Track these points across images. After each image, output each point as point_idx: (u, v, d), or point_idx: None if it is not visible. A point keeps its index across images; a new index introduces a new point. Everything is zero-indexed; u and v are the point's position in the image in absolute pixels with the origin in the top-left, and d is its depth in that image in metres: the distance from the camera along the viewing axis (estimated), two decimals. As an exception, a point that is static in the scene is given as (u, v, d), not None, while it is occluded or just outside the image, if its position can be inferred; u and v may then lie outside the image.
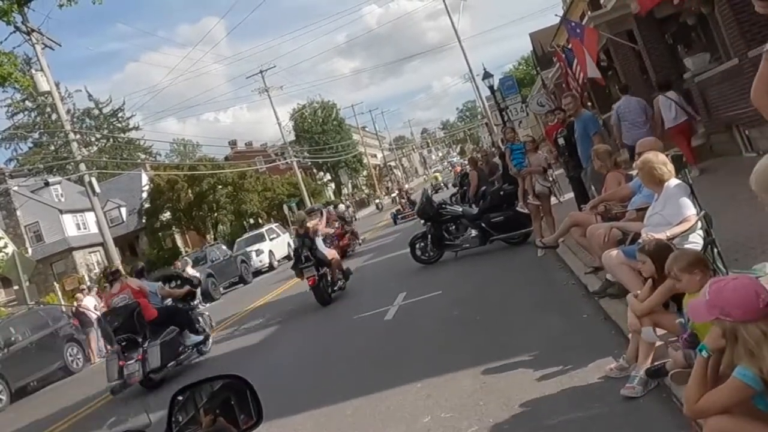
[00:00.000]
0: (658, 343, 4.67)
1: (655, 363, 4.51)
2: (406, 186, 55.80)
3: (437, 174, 78.74)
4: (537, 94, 32.36)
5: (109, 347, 11.93)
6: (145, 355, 10.29)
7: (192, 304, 12.39)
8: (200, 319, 12.46)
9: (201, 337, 11.89)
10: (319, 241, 13.87)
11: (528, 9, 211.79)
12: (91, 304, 19.69)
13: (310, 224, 14.07)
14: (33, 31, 25.05)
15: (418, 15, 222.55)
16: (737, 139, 12.60)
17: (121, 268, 26.47)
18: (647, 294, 4.69)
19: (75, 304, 20.20)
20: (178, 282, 12.15)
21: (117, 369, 10.38)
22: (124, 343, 10.56)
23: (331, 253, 14.15)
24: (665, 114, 12.15)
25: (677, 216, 5.23)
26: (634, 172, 6.21)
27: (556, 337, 6.42)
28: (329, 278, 13.72)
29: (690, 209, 5.25)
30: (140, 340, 10.50)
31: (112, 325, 10.80)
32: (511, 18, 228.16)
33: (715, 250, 5.40)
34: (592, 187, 9.77)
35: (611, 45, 17.66)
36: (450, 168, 77.66)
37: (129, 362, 10.29)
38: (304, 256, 13.29)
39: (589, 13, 20.03)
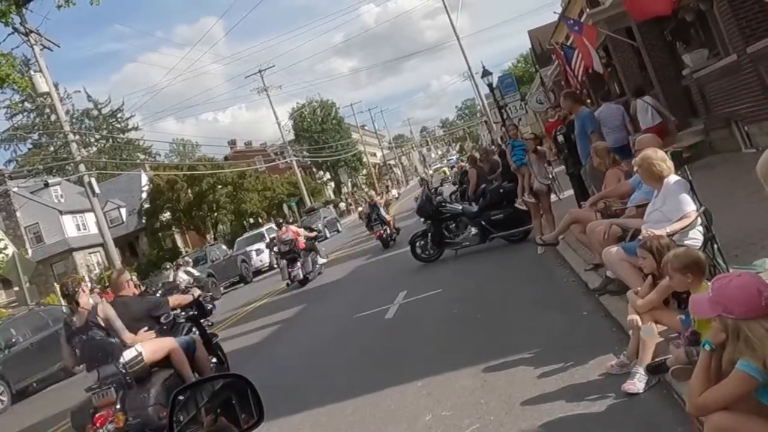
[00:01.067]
0: (659, 340, 4.67)
1: (656, 359, 4.51)
2: (392, 193, 54.85)
3: (445, 169, 78.90)
4: (536, 92, 32.34)
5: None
6: (303, 264, 18.40)
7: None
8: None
9: (324, 259, 20.80)
10: (381, 210, 22.85)
11: (527, 6, 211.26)
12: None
13: (377, 199, 25.98)
14: (31, 32, 25.05)
15: (416, 14, 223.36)
16: (736, 135, 12.61)
17: (120, 267, 26.53)
18: (647, 290, 4.69)
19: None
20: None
21: (287, 273, 18.67)
22: (289, 257, 18.60)
23: (389, 217, 22.77)
24: (641, 117, 12.28)
25: (677, 212, 5.23)
26: (634, 169, 6.21)
27: (556, 334, 6.42)
28: (389, 231, 21.29)
29: (690, 205, 5.25)
30: (298, 258, 18.50)
31: (282, 249, 18.89)
32: (510, 16, 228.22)
33: (715, 246, 5.40)
34: (592, 185, 9.77)
35: (610, 42, 17.65)
36: (450, 167, 77.60)
37: (293, 269, 18.34)
38: (373, 218, 22.09)
39: (587, 10, 19.99)
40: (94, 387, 6.13)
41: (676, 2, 12.40)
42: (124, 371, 6.10)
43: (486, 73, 31.69)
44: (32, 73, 28.39)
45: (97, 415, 5.85)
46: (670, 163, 5.44)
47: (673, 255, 4.06)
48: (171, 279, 24.00)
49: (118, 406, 5.87)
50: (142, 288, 22.35)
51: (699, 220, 5.28)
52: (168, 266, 25.15)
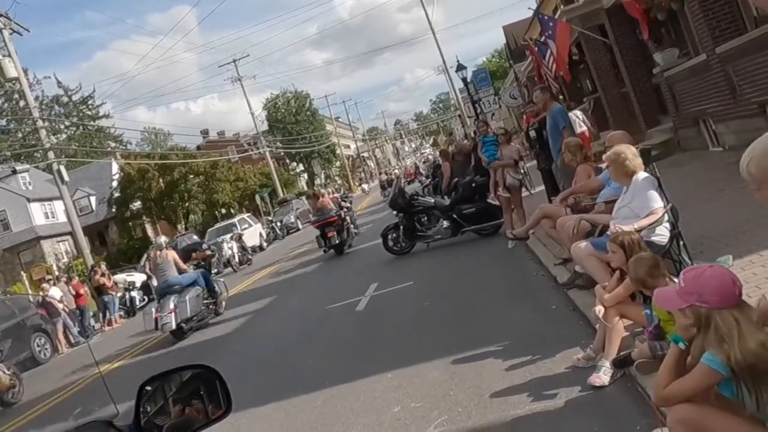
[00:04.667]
0: (624, 334, 4.75)
1: (621, 353, 4.58)
2: (362, 187, 53.18)
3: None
4: (510, 87, 32.54)
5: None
6: (338, 232, 18.04)
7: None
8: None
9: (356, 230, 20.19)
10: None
11: (502, 2, 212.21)
12: (57, 294, 19.48)
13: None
14: (0, 15, 24.65)
15: (390, 7, 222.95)
16: (704, 133, 12.80)
17: (90, 258, 26.24)
18: (615, 285, 4.77)
19: (41, 293, 19.95)
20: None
21: (323, 242, 18.14)
22: (326, 226, 17.99)
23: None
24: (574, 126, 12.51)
25: (645, 209, 5.31)
26: (603, 165, 6.29)
27: (525, 327, 6.49)
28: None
29: (657, 202, 5.33)
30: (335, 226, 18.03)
31: (319, 218, 18.40)
32: (485, 11, 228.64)
33: (681, 242, 5.50)
34: (563, 180, 9.86)
35: (583, 39, 17.80)
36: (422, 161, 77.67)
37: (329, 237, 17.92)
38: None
39: (562, 6, 20.17)
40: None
41: (650, 1, 12.55)
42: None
43: (460, 68, 31.76)
44: (0, 57, 27.96)
45: None
46: (639, 160, 5.52)
47: (633, 264, 4.17)
48: (147, 269, 23.88)
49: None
50: (112, 280, 22.25)
51: (666, 217, 5.37)
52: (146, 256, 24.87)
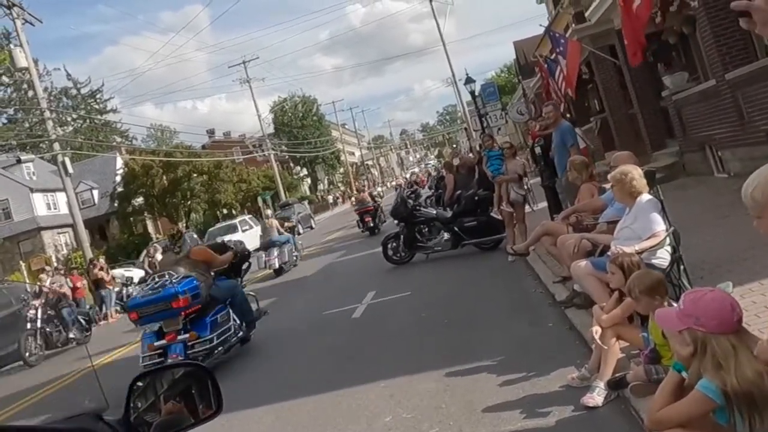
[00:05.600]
0: (620, 356, 4.73)
1: (617, 375, 4.56)
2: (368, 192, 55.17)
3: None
4: (517, 103, 32.58)
5: None
6: (374, 218, 24.15)
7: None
8: None
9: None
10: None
11: (513, 17, 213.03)
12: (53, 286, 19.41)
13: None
14: (14, 5, 24.74)
15: (403, 16, 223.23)
16: (710, 159, 12.78)
17: (89, 251, 26.22)
18: (613, 306, 4.75)
19: (38, 284, 19.90)
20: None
21: (362, 224, 24.23)
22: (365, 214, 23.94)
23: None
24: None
25: (647, 231, 5.29)
26: (607, 186, 6.28)
27: (520, 343, 6.47)
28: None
29: (660, 225, 5.31)
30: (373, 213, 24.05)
31: (361, 207, 24.38)
32: (497, 26, 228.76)
33: (681, 266, 5.48)
34: (566, 198, 9.86)
35: (593, 58, 17.83)
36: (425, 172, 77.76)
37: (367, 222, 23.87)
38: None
39: (573, 25, 20.20)
40: None
41: (661, 24, 12.56)
42: None
43: (469, 81, 31.86)
44: (12, 47, 28.07)
45: None
46: (643, 182, 5.51)
47: (637, 278, 4.12)
48: (147, 264, 23.87)
49: None
50: (110, 274, 22.22)
51: (667, 240, 5.35)
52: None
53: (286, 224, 21.95)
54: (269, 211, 22.43)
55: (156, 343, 8.52)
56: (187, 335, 8.40)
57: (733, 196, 9.57)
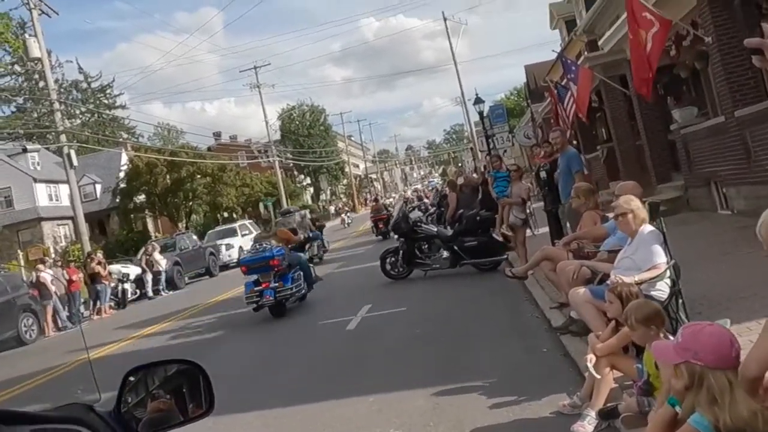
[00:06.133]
0: (613, 386, 4.71)
1: (608, 404, 4.53)
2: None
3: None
4: (525, 126, 32.67)
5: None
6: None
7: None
8: None
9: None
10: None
11: (526, 41, 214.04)
12: (48, 277, 19.43)
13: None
14: (31, -5, 24.86)
15: (416, 33, 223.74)
16: (714, 195, 12.78)
17: (88, 244, 26.19)
18: (609, 335, 4.73)
19: (34, 274, 19.92)
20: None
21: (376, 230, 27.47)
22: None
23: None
24: None
25: (647, 262, 5.28)
26: (611, 214, 6.27)
27: (513, 367, 6.44)
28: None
29: (661, 257, 5.30)
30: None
31: (376, 215, 28.03)
32: (509, 48, 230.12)
33: (680, 300, 5.46)
34: (568, 224, 9.85)
35: (603, 87, 17.87)
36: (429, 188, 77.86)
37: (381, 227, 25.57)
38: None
39: (586, 53, 20.25)
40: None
41: (674, 57, 12.59)
42: None
43: (478, 101, 31.93)
44: (26, 36, 28.15)
45: None
46: (646, 213, 5.50)
47: (635, 307, 4.09)
48: (144, 262, 23.88)
49: None
50: (107, 269, 22.19)
51: (668, 273, 5.33)
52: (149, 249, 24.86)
53: (317, 223, 25.10)
54: (304, 211, 24.87)
55: (255, 288, 12.27)
56: (276, 284, 12.13)
57: (736, 233, 9.57)
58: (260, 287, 12.19)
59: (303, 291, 12.93)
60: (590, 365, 4.66)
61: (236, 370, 8.82)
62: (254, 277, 12.51)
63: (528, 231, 12.36)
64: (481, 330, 8.49)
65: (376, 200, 40.65)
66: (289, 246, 13.38)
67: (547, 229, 11.89)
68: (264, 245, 12.93)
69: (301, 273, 12.99)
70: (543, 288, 9.18)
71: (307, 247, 15.85)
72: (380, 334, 9.53)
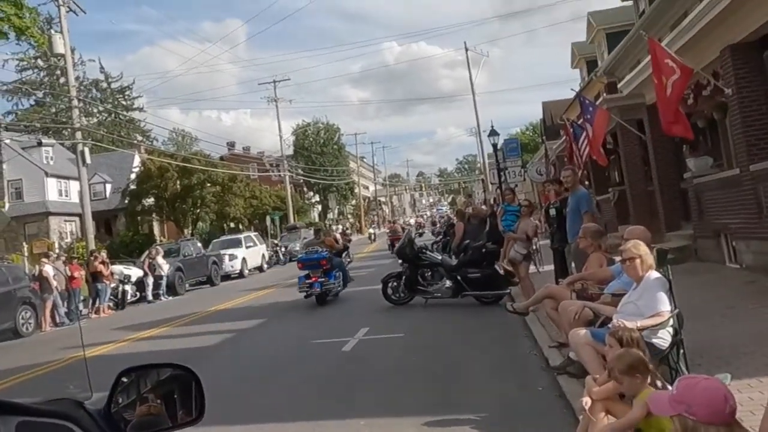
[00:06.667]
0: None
1: (600, 450, 4.46)
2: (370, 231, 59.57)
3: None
4: (538, 162, 32.66)
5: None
6: None
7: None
8: None
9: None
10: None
11: (545, 78, 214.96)
12: (51, 271, 19.45)
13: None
14: (61, -8, 25.14)
15: (436, 60, 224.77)
16: (723, 247, 12.71)
17: (92, 243, 26.22)
18: (606, 379, 4.67)
19: (37, 267, 19.96)
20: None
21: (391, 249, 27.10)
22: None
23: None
24: None
25: (651, 309, 5.24)
26: (617, 258, 6.23)
27: (507, 403, 6.38)
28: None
29: (665, 305, 5.26)
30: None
31: (393, 235, 30.24)
32: (528, 83, 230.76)
33: (681, 350, 5.41)
34: (573, 263, 9.80)
35: (619, 130, 17.89)
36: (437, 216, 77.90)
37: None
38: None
39: (604, 94, 20.31)
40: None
41: (693, 106, 12.59)
42: None
43: (493, 133, 31.94)
44: (52, 32, 28.43)
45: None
46: (653, 260, 5.47)
47: (616, 358, 4.07)
48: (146, 265, 23.88)
49: None
50: (109, 269, 22.20)
51: (671, 322, 5.29)
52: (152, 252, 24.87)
53: (346, 237, 26.99)
54: (336, 226, 25.67)
55: (306, 281, 15.71)
56: (323, 279, 15.65)
57: (743, 287, 9.51)
58: (310, 280, 15.55)
59: (340, 288, 16.36)
60: (586, 408, 4.60)
61: (228, 382, 8.76)
62: (305, 272, 15.90)
63: (532, 267, 12.30)
64: (478, 363, 8.43)
65: (394, 222, 46.86)
66: (333, 251, 16.91)
67: (552, 267, 11.83)
68: (316, 249, 16.55)
69: (341, 273, 16.54)
70: (543, 326, 9.12)
71: (344, 254, 20.11)
72: (376, 358, 9.47)
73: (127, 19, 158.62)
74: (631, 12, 22.56)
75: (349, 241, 27.89)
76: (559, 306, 6.84)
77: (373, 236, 55.32)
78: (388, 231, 39.68)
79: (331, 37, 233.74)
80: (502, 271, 12.31)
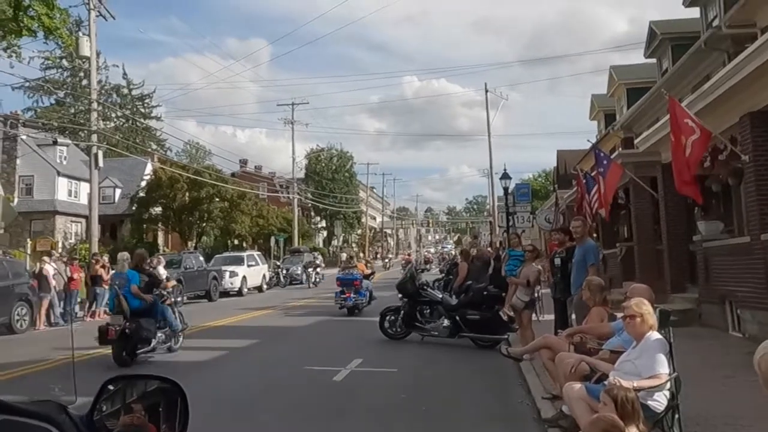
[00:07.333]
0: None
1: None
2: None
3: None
4: (547, 210, 32.62)
5: None
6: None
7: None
8: None
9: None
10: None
11: (563, 126, 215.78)
12: (51, 271, 19.43)
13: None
14: (94, -4, 25.49)
15: (455, 98, 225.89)
16: (728, 315, 12.59)
17: (96, 246, 26.21)
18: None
19: (38, 265, 19.97)
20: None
21: None
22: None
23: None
24: None
25: (649, 370, 5.19)
26: (619, 314, 6.17)
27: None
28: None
29: (663, 367, 5.20)
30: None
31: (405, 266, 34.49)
32: (545, 129, 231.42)
33: (677, 415, 5.34)
34: (573, 315, 9.73)
35: (632, 186, 17.88)
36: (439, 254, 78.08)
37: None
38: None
39: (620, 149, 20.36)
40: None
41: (709, 169, 12.57)
42: None
43: (506, 176, 31.96)
44: (80, 34, 28.75)
45: None
46: (655, 320, 5.42)
47: (590, 423, 4.02)
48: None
49: None
50: (110, 274, 22.13)
51: (668, 385, 5.22)
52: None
53: (368, 264, 28.93)
54: (362, 254, 26.52)
55: (342, 296, 19.65)
56: (354, 296, 19.58)
57: (744, 358, 9.36)
58: (344, 295, 19.58)
59: (366, 304, 20.07)
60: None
61: (214, 401, 8.65)
62: (340, 289, 19.94)
63: (534, 316, 12.21)
64: (468, 408, 8.32)
65: (409, 254, 54.03)
66: (363, 274, 20.89)
67: (552, 316, 11.72)
68: (351, 271, 20.59)
69: (368, 292, 20.34)
70: (538, 376, 9.00)
71: (371, 277, 23.01)
72: (366, 391, 9.37)
73: (154, 29, 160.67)
74: (653, 69, 22.72)
75: (373, 270, 28.47)
76: (556, 357, 6.76)
77: (388, 265, 57.50)
78: (403, 262, 42.62)
79: (353, 66, 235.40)
80: (506, 317, 12.20)
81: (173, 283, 14.78)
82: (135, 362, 11.53)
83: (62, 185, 44.85)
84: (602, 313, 7.29)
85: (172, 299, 13.07)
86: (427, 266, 49.89)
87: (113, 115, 60.60)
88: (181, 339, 12.95)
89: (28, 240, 35.95)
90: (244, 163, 73.97)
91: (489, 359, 11.56)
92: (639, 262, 18.03)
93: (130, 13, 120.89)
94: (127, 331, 11.42)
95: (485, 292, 13.09)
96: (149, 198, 44.76)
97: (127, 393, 2.15)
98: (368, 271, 22.76)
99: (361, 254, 57.67)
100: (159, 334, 12.13)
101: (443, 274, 25.39)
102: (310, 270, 39.02)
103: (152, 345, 11.93)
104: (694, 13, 18.79)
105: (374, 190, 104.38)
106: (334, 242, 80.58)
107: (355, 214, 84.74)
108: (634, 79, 25.11)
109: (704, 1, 17.74)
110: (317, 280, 38.95)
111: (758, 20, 13.79)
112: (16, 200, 39.34)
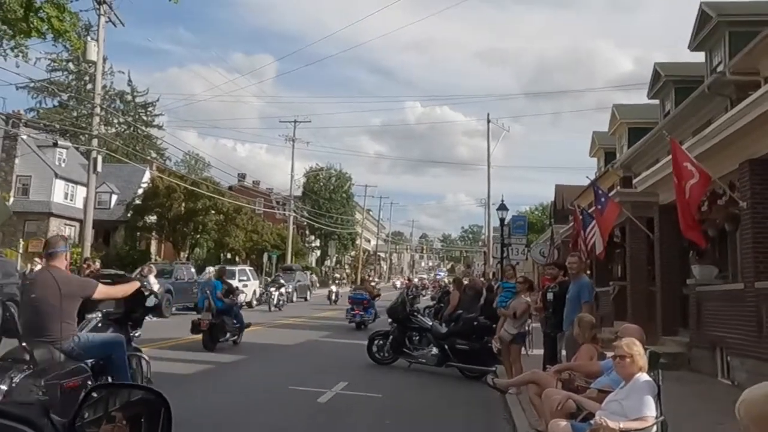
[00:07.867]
0: None
1: None
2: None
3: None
4: (542, 244, 32.68)
5: None
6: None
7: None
8: None
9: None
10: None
11: (562, 161, 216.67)
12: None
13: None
14: (104, 2, 25.61)
15: (457, 127, 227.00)
16: (717, 361, 12.53)
17: (88, 251, 26.11)
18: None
19: (29, 266, 19.83)
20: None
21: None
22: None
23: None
24: None
25: (636, 411, 5.15)
26: (609, 353, 6.14)
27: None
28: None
29: (651, 410, 5.17)
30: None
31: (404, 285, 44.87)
32: (544, 163, 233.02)
33: (662, 459, 5.28)
34: (564, 351, 9.68)
35: (628, 225, 17.88)
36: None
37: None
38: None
39: (618, 187, 20.39)
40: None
41: (707, 213, 12.60)
42: None
43: (502, 207, 31.96)
44: (88, 39, 28.87)
45: None
46: (645, 361, 5.39)
47: None
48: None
49: None
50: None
51: (654, 428, 5.18)
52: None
53: (376, 288, 29.71)
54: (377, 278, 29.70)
55: (352, 312, 22.81)
56: (362, 313, 22.69)
57: (732, 406, 9.31)
58: (353, 312, 22.79)
59: (371, 321, 22.67)
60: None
61: (196, 416, 8.57)
62: (349, 306, 23.40)
63: (522, 350, 12.14)
64: (452, 437, 8.24)
65: (409, 279, 58.17)
66: (371, 295, 24.06)
67: (542, 351, 11.65)
68: (361, 292, 24.21)
69: (374, 311, 23.39)
70: (524, 410, 8.92)
71: (376, 299, 25.18)
72: (350, 414, 9.29)
73: (162, 38, 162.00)
74: (656, 110, 22.84)
75: (379, 293, 29.64)
76: (543, 393, 6.71)
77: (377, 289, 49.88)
78: (403, 287, 42.85)
79: (356, 88, 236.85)
80: (495, 349, 12.11)
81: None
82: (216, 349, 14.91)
83: (59, 188, 44.81)
84: (592, 351, 7.25)
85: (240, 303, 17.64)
86: (424, 292, 49.43)
87: (115, 120, 60.66)
88: (242, 335, 16.59)
89: (21, 240, 35.84)
90: (242, 177, 74.01)
91: (475, 390, 11.48)
92: (631, 302, 17.98)
93: (140, 21, 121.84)
94: (214, 324, 15.10)
95: (475, 323, 13.04)
96: (145, 206, 44.69)
97: (111, 401, 2.13)
98: (375, 293, 25.67)
99: (373, 278, 57.92)
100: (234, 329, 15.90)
101: (434, 302, 25.33)
102: (272, 289, 33.52)
103: (227, 337, 15.67)
104: (700, 57, 18.92)
105: (371, 212, 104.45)
106: (327, 262, 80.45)
107: (350, 235, 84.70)
108: (636, 119, 25.23)
109: (710, 46, 17.86)
110: (281, 302, 33.56)
111: (762, 68, 13.91)
112: (11, 200, 39.25)
